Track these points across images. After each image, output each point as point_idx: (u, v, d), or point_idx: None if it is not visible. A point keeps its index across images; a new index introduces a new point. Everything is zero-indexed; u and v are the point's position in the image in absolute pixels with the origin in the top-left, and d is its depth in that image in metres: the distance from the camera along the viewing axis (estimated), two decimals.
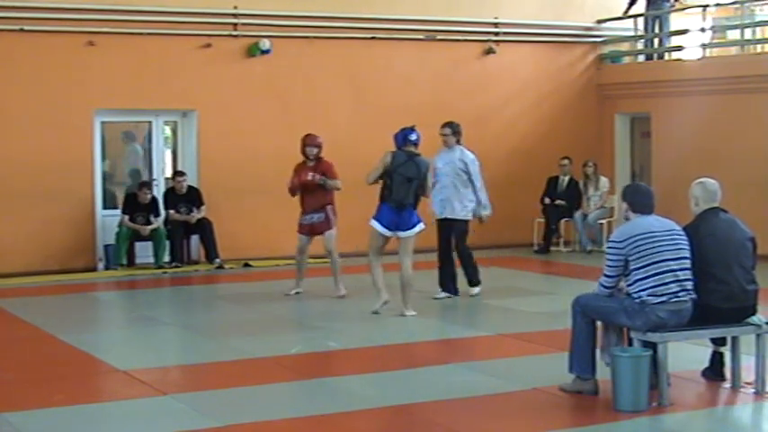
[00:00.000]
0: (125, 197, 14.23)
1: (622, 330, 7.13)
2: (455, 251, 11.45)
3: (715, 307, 6.97)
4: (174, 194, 14.20)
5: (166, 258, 13.97)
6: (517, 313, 10.67)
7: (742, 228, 7.20)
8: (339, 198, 11.74)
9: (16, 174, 13.58)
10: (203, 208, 14.19)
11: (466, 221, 11.41)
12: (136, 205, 13.94)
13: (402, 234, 10.34)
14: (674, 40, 16.81)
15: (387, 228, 10.31)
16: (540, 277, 13.79)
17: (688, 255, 6.88)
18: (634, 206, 7.00)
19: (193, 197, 14.22)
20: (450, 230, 11.37)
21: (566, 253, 15.68)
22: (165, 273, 13.70)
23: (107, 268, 13.86)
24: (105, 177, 14.65)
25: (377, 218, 10.36)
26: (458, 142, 11.40)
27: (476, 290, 11.51)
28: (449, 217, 11.31)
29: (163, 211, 14.11)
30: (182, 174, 14.27)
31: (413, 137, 10.41)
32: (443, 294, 11.42)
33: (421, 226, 10.43)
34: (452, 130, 11.36)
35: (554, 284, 12.51)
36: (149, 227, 13.84)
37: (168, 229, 13.99)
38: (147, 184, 14.22)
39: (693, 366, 7.65)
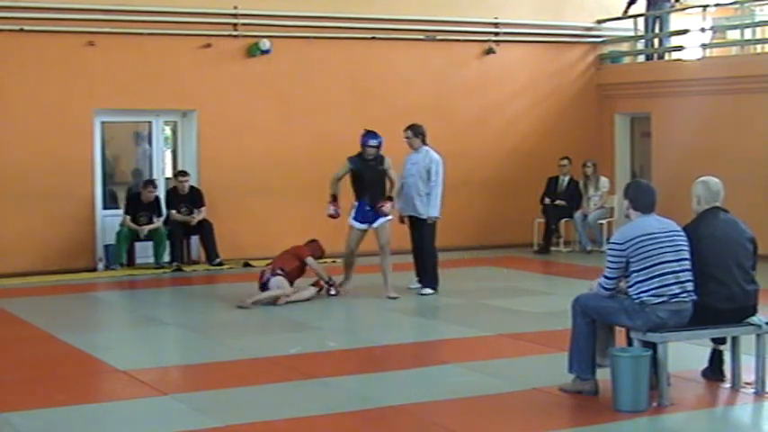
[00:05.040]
0: (128, 197, 14.18)
1: (612, 329, 7.14)
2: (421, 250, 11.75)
3: (715, 307, 6.96)
4: (176, 195, 14.18)
5: (166, 258, 13.96)
6: (517, 313, 10.66)
7: (742, 228, 7.18)
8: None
9: (16, 174, 13.56)
10: (204, 209, 14.17)
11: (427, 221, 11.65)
12: (139, 205, 13.91)
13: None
14: (674, 40, 16.80)
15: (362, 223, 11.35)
16: (539, 277, 13.77)
17: (688, 255, 6.86)
18: (635, 204, 6.97)
19: (195, 198, 14.19)
20: (414, 229, 11.66)
21: (566, 253, 15.67)
22: (165, 273, 13.70)
23: (107, 268, 13.85)
24: (105, 177, 14.64)
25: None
26: (423, 143, 11.63)
27: (428, 291, 11.65)
28: (412, 215, 11.61)
29: (165, 211, 14.08)
30: (184, 174, 14.23)
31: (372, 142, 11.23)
32: (417, 285, 11.82)
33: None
34: (414, 133, 11.60)
35: (554, 284, 12.49)
36: (147, 227, 13.79)
37: (169, 230, 13.96)
38: (152, 182, 14.16)
39: (693, 366, 7.65)
